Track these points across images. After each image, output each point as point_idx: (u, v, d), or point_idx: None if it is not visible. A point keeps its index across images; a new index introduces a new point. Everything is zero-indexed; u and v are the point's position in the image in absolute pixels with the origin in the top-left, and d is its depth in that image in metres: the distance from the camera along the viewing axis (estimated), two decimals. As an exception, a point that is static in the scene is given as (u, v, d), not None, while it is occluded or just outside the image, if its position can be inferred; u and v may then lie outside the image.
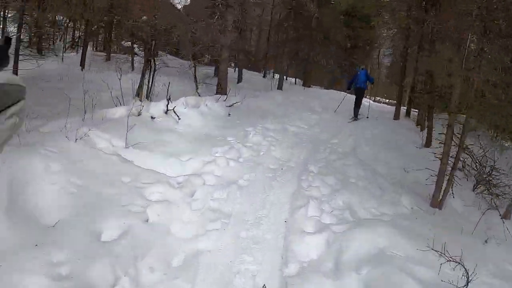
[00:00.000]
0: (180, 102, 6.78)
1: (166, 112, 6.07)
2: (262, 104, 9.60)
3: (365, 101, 12.40)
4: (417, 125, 11.33)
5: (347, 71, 22.04)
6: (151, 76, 8.20)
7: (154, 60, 8.43)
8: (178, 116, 6.08)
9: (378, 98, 27.17)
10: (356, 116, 10.25)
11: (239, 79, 14.81)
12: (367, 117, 10.56)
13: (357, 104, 10.29)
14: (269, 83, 13.79)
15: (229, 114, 7.36)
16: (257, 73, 20.61)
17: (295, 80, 21.84)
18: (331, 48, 18.55)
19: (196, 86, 11.65)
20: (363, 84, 10.45)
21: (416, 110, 13.53)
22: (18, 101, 0.54)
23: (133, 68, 12.95)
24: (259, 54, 24.38)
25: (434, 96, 10.11)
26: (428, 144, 8.44)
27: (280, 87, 13.05)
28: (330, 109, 11.08)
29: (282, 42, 18.26)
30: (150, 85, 8.00)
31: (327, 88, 19.62)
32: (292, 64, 20.80)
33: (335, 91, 17.49)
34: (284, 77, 22.68)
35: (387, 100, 23.40)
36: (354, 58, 22.63)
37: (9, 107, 0.52)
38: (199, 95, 8.43)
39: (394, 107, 14.24)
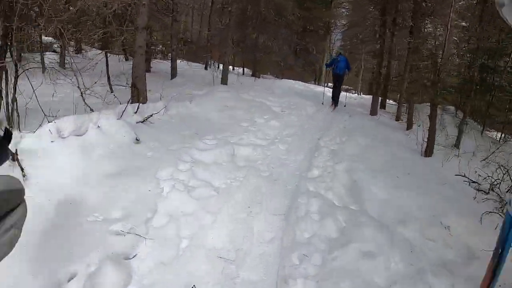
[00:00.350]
0: (44, 131, 3.61)
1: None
2: (198, 110, 6.62)
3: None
4: (396, 120, 9.12)
5: (301, 57, 19.55)
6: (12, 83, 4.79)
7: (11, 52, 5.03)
8: (22, 169, 2.96)
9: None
10: (336, 103, 9.89)
11: (174, 74, 11.59)
12: (345, 106, 10.12)
13: (337, 92, 9.94)
14: (212, 77, 10.73)
15: (137, 140, 4.31)
16: (200, 64, 17.43)
17: (243, 70, 18.93)
18: (281, 31, 15.82)
19: (111, 88, 8.35)
20: (342, 70, 9.82)
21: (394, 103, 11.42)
22: (18, 205, 0.50)
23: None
24: (201, 42, 21.13)
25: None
26: (429, 152, 6.09)
27: (225, 81, 10.04)
28: (296, 108, 8.39)
29: (226, 26, 15.25)
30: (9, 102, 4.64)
31: (280, 77, 16.96)
32: (238, 52, 17.85)
33: (293, 81, 14.82)
34: (231, 67, 19.75)
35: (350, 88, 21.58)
36: (308, 42, 20.22)
37: (8, 213, 0.48)
38: (91, 110, 5.14)
39: (360, 96, 12.14)
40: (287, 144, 5.46)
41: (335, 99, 9.98)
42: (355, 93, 18.51)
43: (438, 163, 5.51)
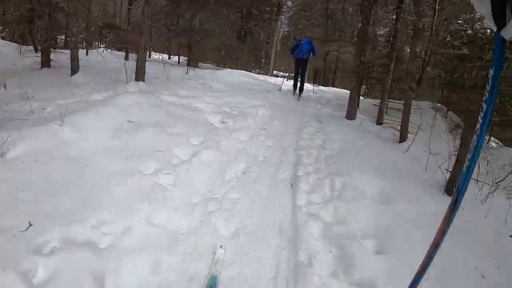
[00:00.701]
0: None
1: None
2: (74, 139, 3.74)
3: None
4: (378, 124, 6.88)
5: (246, 42, 16.85)
6: None
7: None
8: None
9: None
10: (301, 91, 9.11)
11: (74, 68, 8.31)
12: (313, 93, 10.01)
13: (301, 78, 9.04)
14: (126, 71, 7.67)
15: None
16: (121, 54, 14.09)
17: (179, 59, 15.85)
18: (222, 10, 12.96)
19: None
20: (307, 54, 8.86)
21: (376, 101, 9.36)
22: None
23: None
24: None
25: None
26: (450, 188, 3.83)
27: (140, 76, 7.04)
28: (243, 115, 5.77)
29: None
30: None
31: (221, 67, 14.19)
32: (171, 37, 14.71)
33: (237, 71, 12.08)
34: (163, 56, 16.51)
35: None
36: (254, 25, 17.59)
37: None
38: None
39: (319, 89, 10.29)
40: (230, 228, 2.79)
41: (299, 86, 9.06)
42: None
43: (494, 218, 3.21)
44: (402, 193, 3.30)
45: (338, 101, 9.21)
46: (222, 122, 5.38)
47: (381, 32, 11.31)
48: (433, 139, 5.16)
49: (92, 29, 13.68)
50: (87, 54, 11.84)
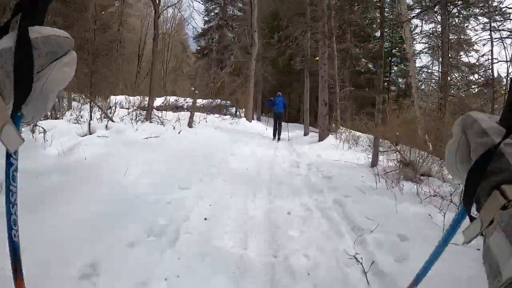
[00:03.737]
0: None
1: None
2: None
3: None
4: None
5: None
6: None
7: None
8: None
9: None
10: (279, 137, 12.06)
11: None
12: (289, 139, 12.31)
13: (280, 128, 12.11)
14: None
15: None
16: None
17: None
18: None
19: None
20: (282, 109, 12.23)
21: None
22: (68, 51, 0.54)
23: None
24: None
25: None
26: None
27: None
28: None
29: None
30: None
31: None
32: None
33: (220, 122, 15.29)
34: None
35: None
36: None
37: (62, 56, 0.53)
38: None
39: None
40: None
41: (278, 134, 12.14)
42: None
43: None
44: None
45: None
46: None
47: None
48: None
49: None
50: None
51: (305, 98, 15.41)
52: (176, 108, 14.74)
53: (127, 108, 11.48)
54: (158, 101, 14.12)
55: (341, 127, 12.00)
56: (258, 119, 20.71)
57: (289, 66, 20.76)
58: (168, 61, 25.71)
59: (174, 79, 26.60)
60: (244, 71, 17.89)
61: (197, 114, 12.63)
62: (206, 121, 12.26)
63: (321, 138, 10.74)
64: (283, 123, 12.33)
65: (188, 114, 13.10)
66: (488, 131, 0.49)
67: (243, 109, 16.82)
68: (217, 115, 14.77)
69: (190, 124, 9.99)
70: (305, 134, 14.12)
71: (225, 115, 16.05)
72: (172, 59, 27.00)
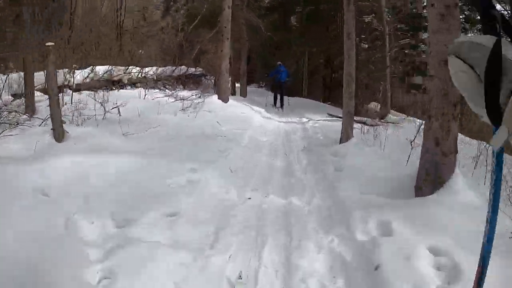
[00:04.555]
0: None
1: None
2: None
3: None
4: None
5: None
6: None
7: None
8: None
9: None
10: (282, 104, 11.60)
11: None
12: (289, 104, 11.73)
13: (281, 96, 11.69)
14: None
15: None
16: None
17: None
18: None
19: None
20: (284, 79, 11.50)
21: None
22: None
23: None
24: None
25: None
26: None
27: None
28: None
29: None
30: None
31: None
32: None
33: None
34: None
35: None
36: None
37: None
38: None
39: None
40: None
41: (281, 102, 11.62)
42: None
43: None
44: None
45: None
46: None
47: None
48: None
49: None
50: None
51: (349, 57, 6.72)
52: (113, 83, 9.55)
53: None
54: (80, 76, 8.73)
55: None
56: (244, 96, 13.86)
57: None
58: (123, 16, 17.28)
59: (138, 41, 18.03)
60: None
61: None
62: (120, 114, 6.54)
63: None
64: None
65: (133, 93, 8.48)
66: (486, 44, 0.49)
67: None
68: (177, 91, 9.39)
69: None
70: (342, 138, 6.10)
71: (195, 89, 10.59)
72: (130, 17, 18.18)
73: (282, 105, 11.52)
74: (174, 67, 11.70)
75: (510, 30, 0.51)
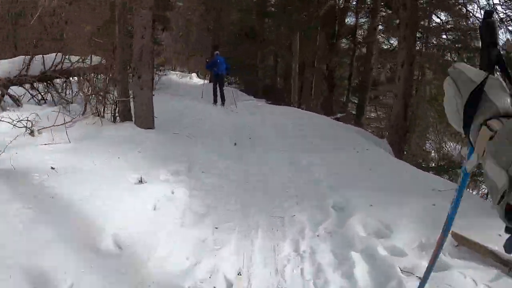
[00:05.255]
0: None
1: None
2: None
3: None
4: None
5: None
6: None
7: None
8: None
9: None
10: (223, 101, 10.29)
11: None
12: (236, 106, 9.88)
13: (221, 90, 10.37)
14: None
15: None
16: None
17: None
18: None
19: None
20: (224, 71, 10.46)
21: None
22: None
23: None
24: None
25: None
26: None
27: None
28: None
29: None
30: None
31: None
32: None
33: None
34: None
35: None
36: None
37: None
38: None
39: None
40: None
41: (221, 97, 10.36)
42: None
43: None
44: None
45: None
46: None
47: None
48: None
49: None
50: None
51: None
52: None
53: None
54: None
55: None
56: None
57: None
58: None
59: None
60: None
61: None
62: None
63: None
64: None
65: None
66: (474, 79, 0.59)
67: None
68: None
69: None
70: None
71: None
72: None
73: (223, 101, 10.37)
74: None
75: (504, 69, 0.61)
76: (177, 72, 20.75)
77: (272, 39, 14.89)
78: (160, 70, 14.66)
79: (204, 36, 17.63)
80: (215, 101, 10.49)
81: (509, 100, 0.55)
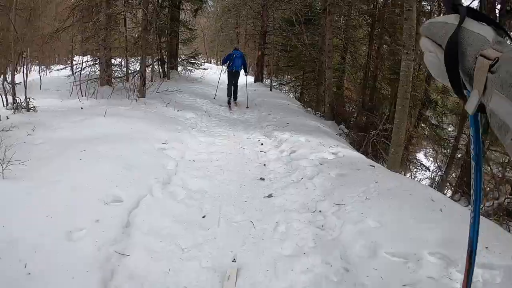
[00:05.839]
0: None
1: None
2: None
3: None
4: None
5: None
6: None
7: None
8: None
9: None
10: (236, 98, 10.10)
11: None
12: (247, 107, 9.68)
13: (235, 88, 9.97)
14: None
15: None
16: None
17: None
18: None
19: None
20: (239, 68, 9.63)
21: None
22: None
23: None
24: None
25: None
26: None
27: None
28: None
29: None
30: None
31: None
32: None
33: None
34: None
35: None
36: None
37: None
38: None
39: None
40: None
41: (234, 95, 10.00)
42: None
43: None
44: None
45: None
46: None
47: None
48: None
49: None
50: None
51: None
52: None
53: None
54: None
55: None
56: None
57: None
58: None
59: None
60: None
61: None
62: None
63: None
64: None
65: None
66: (447, 21, 0.55)
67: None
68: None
69: None
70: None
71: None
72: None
73: (235, 98, 9.94)
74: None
75: (476, 15, 0.54)
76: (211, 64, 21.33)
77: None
78: (192, 63, 14.13)
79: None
80: (229, 101, 9.78)
81: (491, 29, 0.50)
